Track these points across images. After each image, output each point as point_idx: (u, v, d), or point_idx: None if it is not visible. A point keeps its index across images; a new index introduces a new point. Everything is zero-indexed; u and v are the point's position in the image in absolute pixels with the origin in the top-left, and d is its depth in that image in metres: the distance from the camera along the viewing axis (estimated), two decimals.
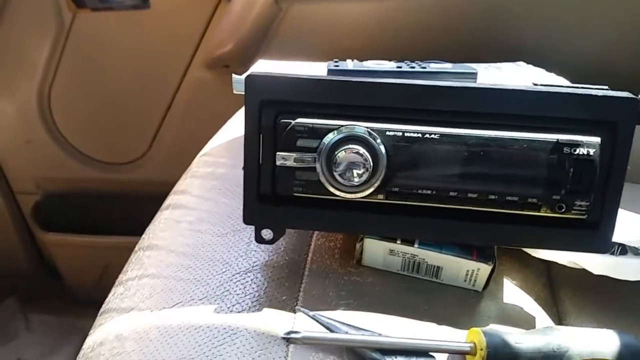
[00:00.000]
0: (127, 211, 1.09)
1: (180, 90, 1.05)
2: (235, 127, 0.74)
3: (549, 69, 0.65)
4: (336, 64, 0.52)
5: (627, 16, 0.88)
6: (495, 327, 0.46)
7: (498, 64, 0.67)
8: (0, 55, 1.05)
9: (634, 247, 0.51)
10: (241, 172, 0.46)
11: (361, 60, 0.75)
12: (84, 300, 1.16)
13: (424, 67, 0.51)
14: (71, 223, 1.16)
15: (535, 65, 0.68)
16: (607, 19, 0.89)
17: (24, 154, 1.13)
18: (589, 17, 0.89)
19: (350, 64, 0.53)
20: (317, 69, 0.52)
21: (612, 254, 0.52)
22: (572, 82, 0.69)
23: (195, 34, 0.99)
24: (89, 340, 0.48)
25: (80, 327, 1.14)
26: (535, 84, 0.45)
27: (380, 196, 0.45)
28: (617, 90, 0.82)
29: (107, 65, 1.05)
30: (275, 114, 0.44)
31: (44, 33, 1.02)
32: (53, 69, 1.05)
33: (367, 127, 0.43)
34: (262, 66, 0.64)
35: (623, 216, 0.54)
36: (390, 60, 0.66)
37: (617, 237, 0.50)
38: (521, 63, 0.68)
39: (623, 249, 0.52)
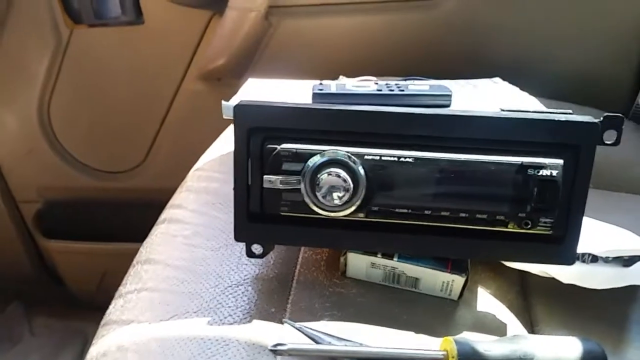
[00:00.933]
0: (125, 218, 1.12)
1: (174, 102, 1.08)
2: (227, 140, 0.78)
3: (527, 81, 0.69)
4: (320, 87, 0.55)
5: (603, 31, 0.91)
6: (468, 335, 0.49)
7: (475, 81, 0.70)
8: (1, 67, 1.08)
9: (603, 257, 0.54)
10: (224, 198, 0.49)
11: (348, 75, 0.78)
12: (85, 305, 1.20)
13: (402, 90, 0.55)
14: (72, 230, 1.20)
15: (514, 78, 0.71)
16: (583, 34, 0.92)
17: (25, 164, 1.16)
18: (565, 32, 0.92)
19: (333, 87, 0.56)
20: (304, 90, 0.56)
21: (584, 262, 0.55)
22: (547, 96, 0.73)
23: (188, 48, 1.03)
24: (92, 351, 0.52)
25: (82, 331, 1.18)
26: (503, 109, 0.48)
27: (361, 214, 0.48)
28: (589, 106, 0.86)
29: (104, 77, 1.09)
30: (262, 139, 0.48)
31: (43, 47, 1.05)
32: (52, 82, 1.08)
33: (348, 152, 0.47)
34: (252, 85, 0.68)
35: (594, 226, 0.57)
36: (375, 75, 0.69)
37: (587, 248, 0.54)
38: (497, 79, 0.71)
39: (594, 257, 0.55)
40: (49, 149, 1.14)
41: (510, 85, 0.68)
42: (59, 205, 1.20)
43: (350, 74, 0.79)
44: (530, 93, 0.65)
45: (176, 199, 0.69)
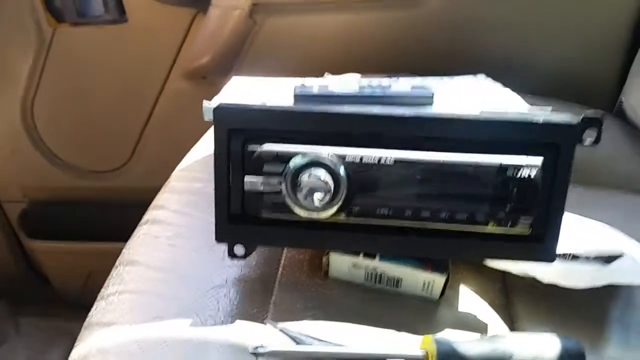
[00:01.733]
0: (110, 217, 1.11)
1: (159, 101, 1.07)
2: (211, 140, 0.77)
3: (511, 78, 0.69)
4: (302, 89, 0.55)
5: (587, 27, 0.92)
6: (449, 334, 0.49)
7: (458, 78, 0.70)
8: None
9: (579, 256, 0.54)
10: (208, 199, 0.49)
11: (333, 72, 0.78)
12: (71, 304, 1.19)
13: (384, 90, 0.55)
14: (57, 230, 1.19)
15: (498, 74, 0.71)
16: (567, 30, 0.93)
17: (9, 164, 1.15)
18: (549, 28, 0.92)
19: (315, 88, 0.56)
20: (288, 88, 0.56)
21: (565, 259, 0.56)
22: (532, 92, 0.73)
23: (172, 47, 1.02)
24: (74, 354, 0.51)
25: (69, 330, 1.17)
26: (483, 111, 0.48)
27: (342, 216, 0.48)
28: (574, 102, 0.86)
29: (88, 76, 1.08)
30: (242, 141, 0.48)
31: (26, 46, 1.04)
32: (36, 81, 1.07)
33: (328, 153, 0.47)
34: (236, 84, 0.68)
35: (575, 224, 0.58)
36: (361, 71, 0.69)
37: (568, 247, 0.54)
38: (481, 76, 0.71)
39: (575, 256, 0.56)
40: (33, 149, 1.13)
41: (494, 82, 0.68)
42: (44, 205, 1.19)
43: (336, 71, 0.79)
44: (515, 89, 0.65)
45: (159, 199, 0.68)
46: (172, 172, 0.74)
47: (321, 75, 0.76)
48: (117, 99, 1.09)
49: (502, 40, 0.93)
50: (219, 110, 0.47)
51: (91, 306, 0.57)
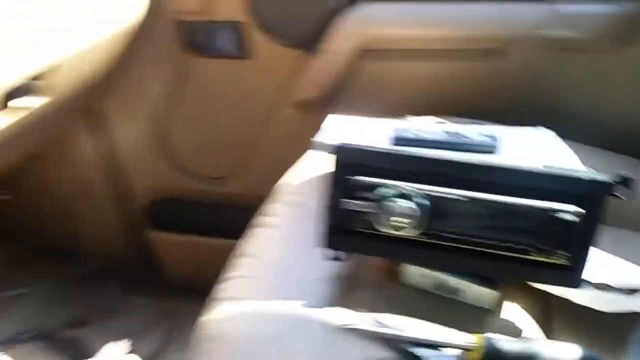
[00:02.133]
0: (219, 216, 1.32)
1: (270, 123, 1.24)
2: (310, 161, 0.93)
3: (572, 129, 0.82)
4: (399, 132, 0.70)
5: None
6: (495, 335, 0.63)
7: (522, 129, 0.84)
8: (129, 85, 1.28)
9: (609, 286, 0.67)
10: (316, 201, 0.65)
11: (420, 114, 0.93)
12: (178, 289, 1.39)
13: (459, 139, 0.70)
14: (174, 224, 1.39)
15: (560, 125, 0.84)
16: (629, 89, 1.04)
17: (140, 166, 1.35)
18: (612, 88, 1.04)
19: (411, 132, 0.71)
20: (380, 128, 0.71)
21: (596, 288, 0.68)
22: (591, 143, 0.86)
23: (284, 80, 1.19)
24: (205, 318, 0.68)
25: (174, 312, 1.36)
26: (539, 164, 0.62)
27: (419, 236, 0.63)
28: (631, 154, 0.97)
29: (214, 100, 1.27)
30: (350, 172, 0.63)
31: (164, 68, 1.25)
32: (170, 99, 1.27)
33: (414, 187, 0.62)
34: (334, 122, 0.84)
35: (607, 259, 0.70)
36: (445, 114, 0.84)
37: (600, 278, 0.67)
38: (542, 128, 0.84)
39: (605, 285, 0.68)
40: (161, 156, 1.32)
41: (552, 135, 0.81)
42: (164, 202, 1.38)
43: (418, 113, 0.94)
44: (574, 139, 0.78)
45: (268, 208, 0.85)
46: (273, 184, 0.90)
47: (412, 115, 0.91)
48: (235, 119, 1.27)
49: (568, 94, 1.06)
50: (339, 149, 0.63)
51: (197, 291, 0.73)
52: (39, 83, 0.92)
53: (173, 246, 1.41)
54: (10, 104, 0.88)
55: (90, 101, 1.23)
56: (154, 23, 1.16)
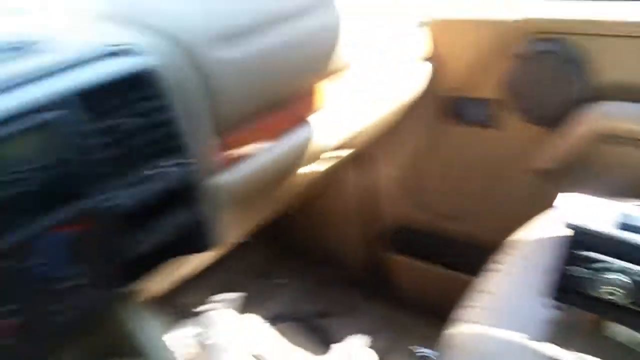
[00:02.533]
0: (452, 250, 1.56)
1: (507, 183, 1.45)
2: (545, 221, 1.13)
3: None
4: (627, 218, 0.89)
5: None
6: None
7: None
8: (397, 138, 1.57)
9: None
10: (544, 259, 0.87)
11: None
12: (407, 304, 1.68)
13: None
14: (411, 250, 1.67)
15: None
16: None
17: (392, 200, 1.66)
18: None
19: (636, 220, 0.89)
20: (614, 211, 0.90)
21: None
22: None
23: (526, 149, 1.39)
24: (452, 331, 0.93)
25: (398, 321, 1.65)
26: None
27: (629, 304, 0.81)
28: None
29: (462, 158, 1.52)
30: (578, 247, 0.84)
31: (424, 132, 1.55)
32: (424, 155, 1.56)
33: (632, 267, 0.81)
34: (565, 201, 1.04)
35: None
36: None
37: None
38: None
39: None
40: (411, 194, 1.61)
41: None
42: (406, 231, 1.66)
43: None
44: None
45: (502, 255, 1.07)
46: (500, 231, 1.12)
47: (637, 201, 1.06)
48: (477, 175, 1.50)
49: None
50: (576, 229, 0.85)
51: (431, 312, 0.95)
52: None
53: (407, 269, 1.68)
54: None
55: (365, 145, 1.56)
56: (424, 97, 1.45)
